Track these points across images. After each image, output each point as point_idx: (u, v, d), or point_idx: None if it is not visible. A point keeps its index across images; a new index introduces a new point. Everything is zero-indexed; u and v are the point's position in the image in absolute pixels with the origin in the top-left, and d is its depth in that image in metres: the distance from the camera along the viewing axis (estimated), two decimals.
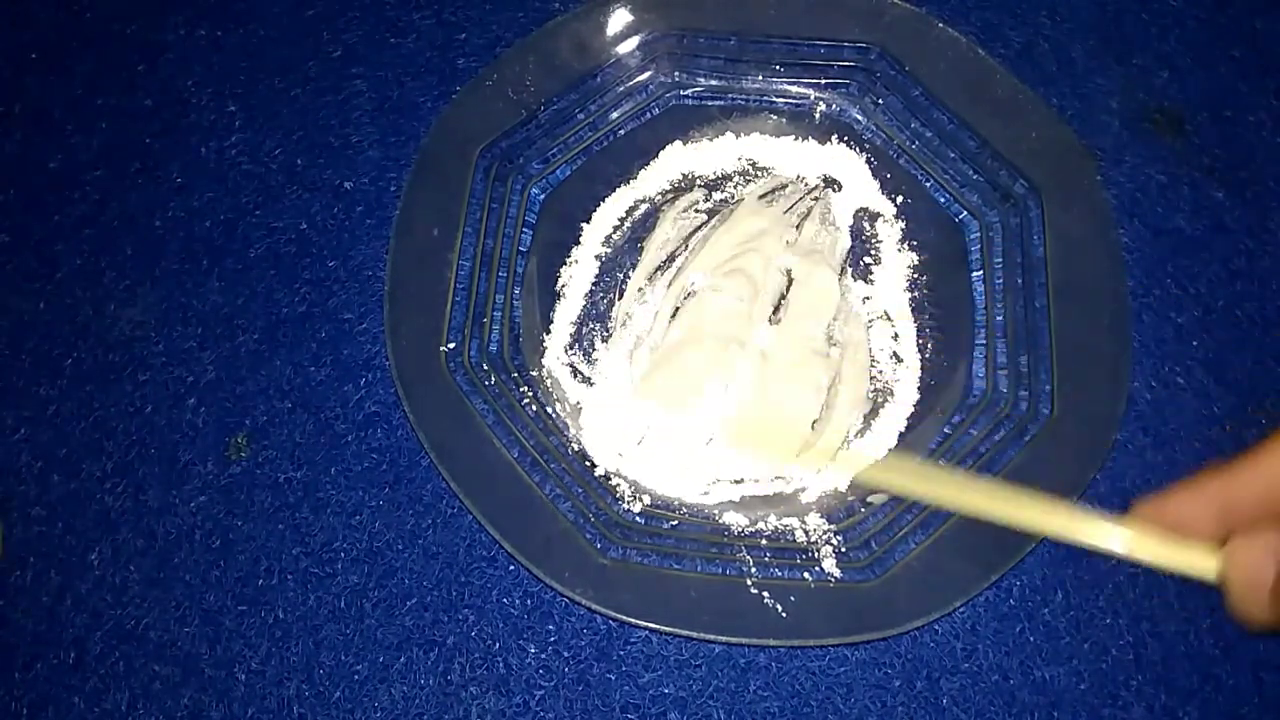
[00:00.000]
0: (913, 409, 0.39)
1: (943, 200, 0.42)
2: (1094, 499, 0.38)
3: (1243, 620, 0.26)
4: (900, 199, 0.42)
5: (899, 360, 0.40)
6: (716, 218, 0.41)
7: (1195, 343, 0.40)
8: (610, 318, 0.40)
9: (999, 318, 0.39)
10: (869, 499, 0.37)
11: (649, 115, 0.43)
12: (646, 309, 0.40)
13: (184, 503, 0.38)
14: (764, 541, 0.36)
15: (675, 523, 0.37)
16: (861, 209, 0.42)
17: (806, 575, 0.35)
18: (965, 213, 0.41)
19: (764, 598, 0.34)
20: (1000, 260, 0.40)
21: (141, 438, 0.39)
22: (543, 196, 0.42)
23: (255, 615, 0.36)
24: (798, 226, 0.41)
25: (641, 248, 0.41)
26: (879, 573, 0.35)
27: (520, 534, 0.34)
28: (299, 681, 0.35)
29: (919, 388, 0.39)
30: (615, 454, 0.38)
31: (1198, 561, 0.27)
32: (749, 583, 0.35)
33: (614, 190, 0.42)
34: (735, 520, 0.37)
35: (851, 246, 0.41)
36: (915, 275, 0.41)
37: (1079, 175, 0.39)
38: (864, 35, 0.42)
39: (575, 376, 0.39)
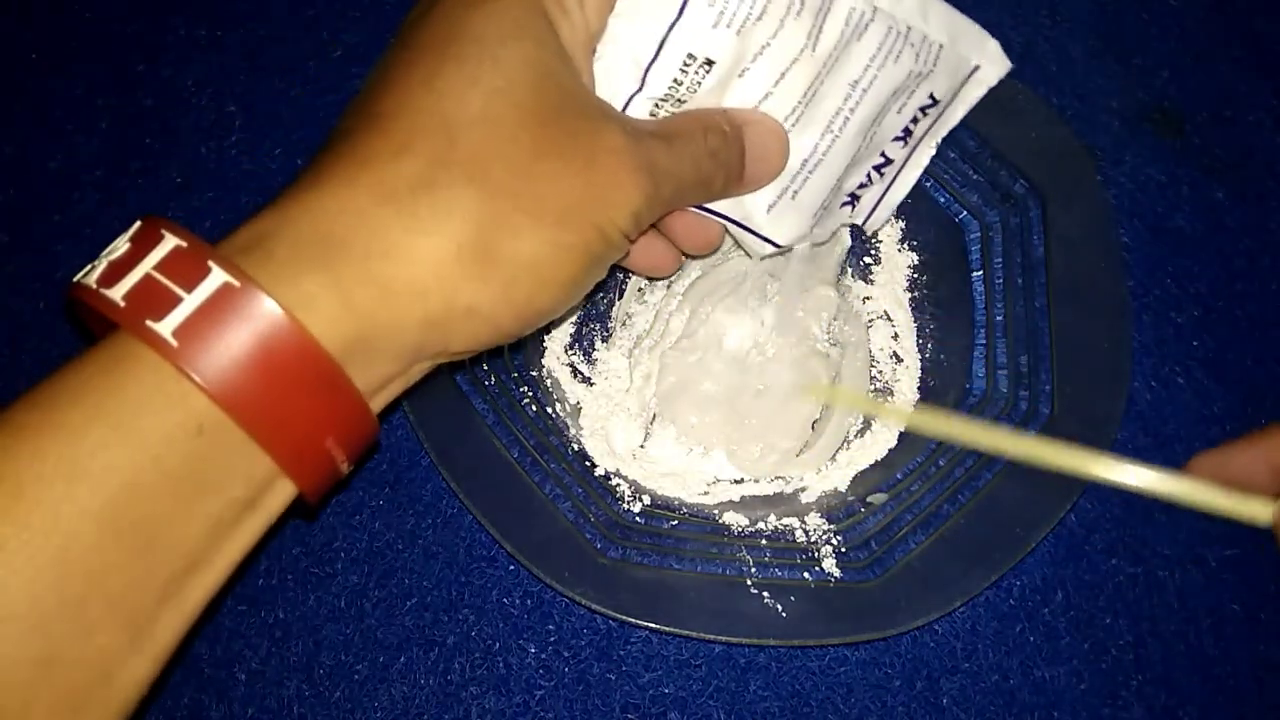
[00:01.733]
0: (913, 409, 0.39)
1: (943, 200, 0.42)
2: (1094, 499, 0.38)
3: None
4: None
5: (899, 360, 0.40)
6: None
7: (1195, 343, 0.40)
8: (610, 318, 0.40)
9: (999, 318, 0.39)
10: (869, 499, 0.37)
11: None
12: (646, 309, 0.40)
13: None
14: (764, 541, 0.36)
15: (675, 523, 0.37)
16: None
17: (806, 575, 0.35)
18: (965, 213, 0.41)
19: (764, 598, 0.34)
20: (1000, 260, 0.40)
21: None
22: None
23: (255, 615, 0.36)
24: None
25: None
26: (879, 573, 0.35)
27: (520, 534, 0.34)
28: (299, 681, 0.35)
29: (919, 388, 0.39)
30: (615, 454, 0.38)
31: (1252, 511, 0.29)
32: (749, 583, 0.35)
33: None
34: (735, 520, 0.37)
35: (851, 246, 0.41)
36: (915, 275, 0.41)
37: (1079, 175, 0.39)
38: None
39: (575, 376, 0.39)
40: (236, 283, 0.21)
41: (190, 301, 0.21)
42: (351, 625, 0.36)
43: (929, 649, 0.36)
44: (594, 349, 0.40)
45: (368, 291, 0.23)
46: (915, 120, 0.34)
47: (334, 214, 0.23)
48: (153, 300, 0.21)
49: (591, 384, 0.39)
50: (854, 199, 0.35)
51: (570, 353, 0.40)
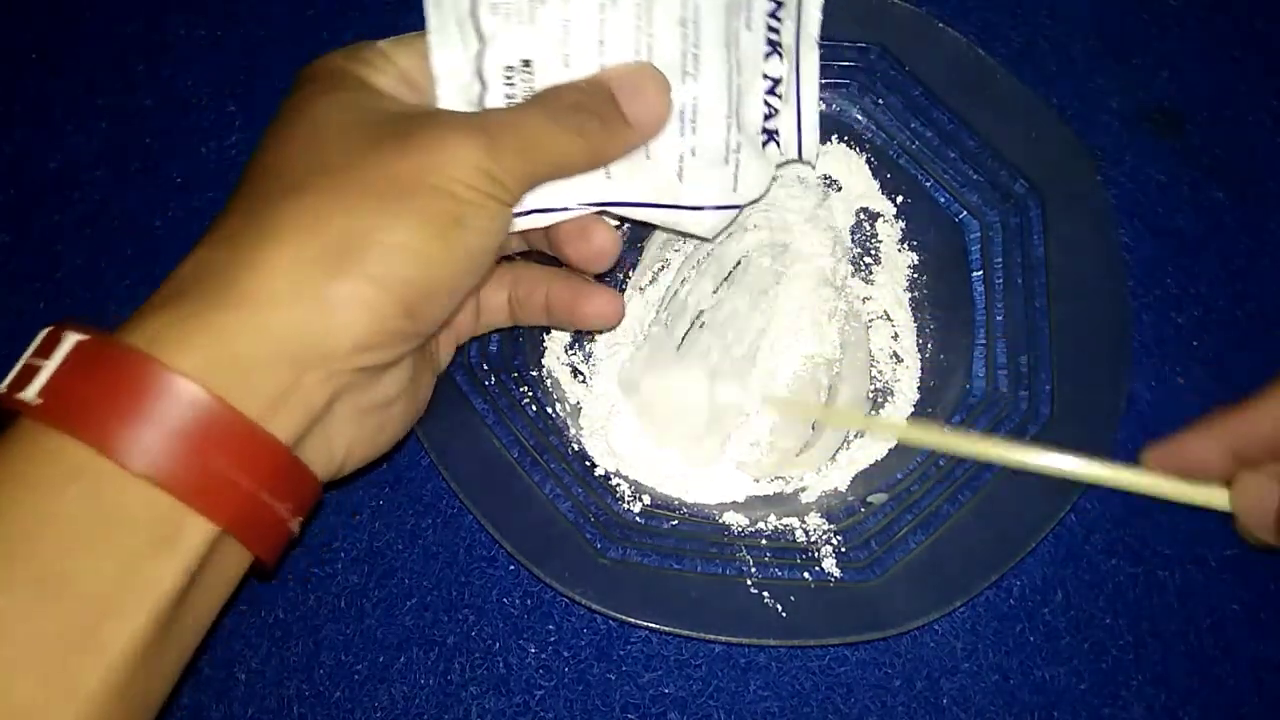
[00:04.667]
0: (913, 409, 0.39)
1: (943, 200, 0.42)
2: (1094, 499, 0.38)
3: (1251, 544, 0.31)
4: (900, 199, 0.42)
5: (899, 360, 0.40)
6: None
7: (1195, 343, 0.40)
8: None
9: (999, 318, 0.39)
10: (869, 499, 0.37)
11: None
12: (647, 309, 0.40)
13: None
14: (764, 541, 0.36)
15: (675, 523, 0.37)
16: (861, 209, 0.42)
17: (806, 575, 0.35)
18: (965, 213, 0.41)
19: (764, 598, 0.34)
20: (1000, 260, 0.40)
21: None
22: None
23: (255, 615, 0.36)
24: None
25: (641, 248, 0.41)
26: (879, 573, 0.35)
27: (520, 534, 0.34)
28: (299, 681, 0.35)
29: (919, 388, 0.39)
30: (615, 454, 0.38)
31: (1209, 496, 0.31)
32: (749, 583, 0.35)
33: None
34: (735, 520, 0.37)
35: (851, 246, 0.41)
36: (915, 275, 0.41)
37: (1079, 175, 0.39)
38: (864, 35, 0.42)
39: (575, 376, 0.39)
40: (86, 337, 0.23)
41: (49, 366, 0.23)
42: (351, 625, 0.36)
43: (929, 649, 0.36)
44: (593, 349, 0.40)
45: (219, 314, 0.24)
46: (774, 30, 0.33)
47: (178, 277, 0.25)
48: (23, 377, 0.23)
49: (592, 384, 0.39)
50: (772, 135, 0.34)
51: (570, 353, 0.40)
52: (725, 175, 0.32)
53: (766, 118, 0.33)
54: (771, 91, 0.33)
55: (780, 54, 0.33)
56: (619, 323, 0.34)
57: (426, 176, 0.25)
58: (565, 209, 0.30)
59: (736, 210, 0.33)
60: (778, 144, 0.34)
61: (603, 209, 0.31)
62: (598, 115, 0.28)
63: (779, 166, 0.34)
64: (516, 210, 0.29)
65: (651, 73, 0.29)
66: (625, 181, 0.30)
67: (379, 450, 0.30)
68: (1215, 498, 0.31)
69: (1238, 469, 0.30)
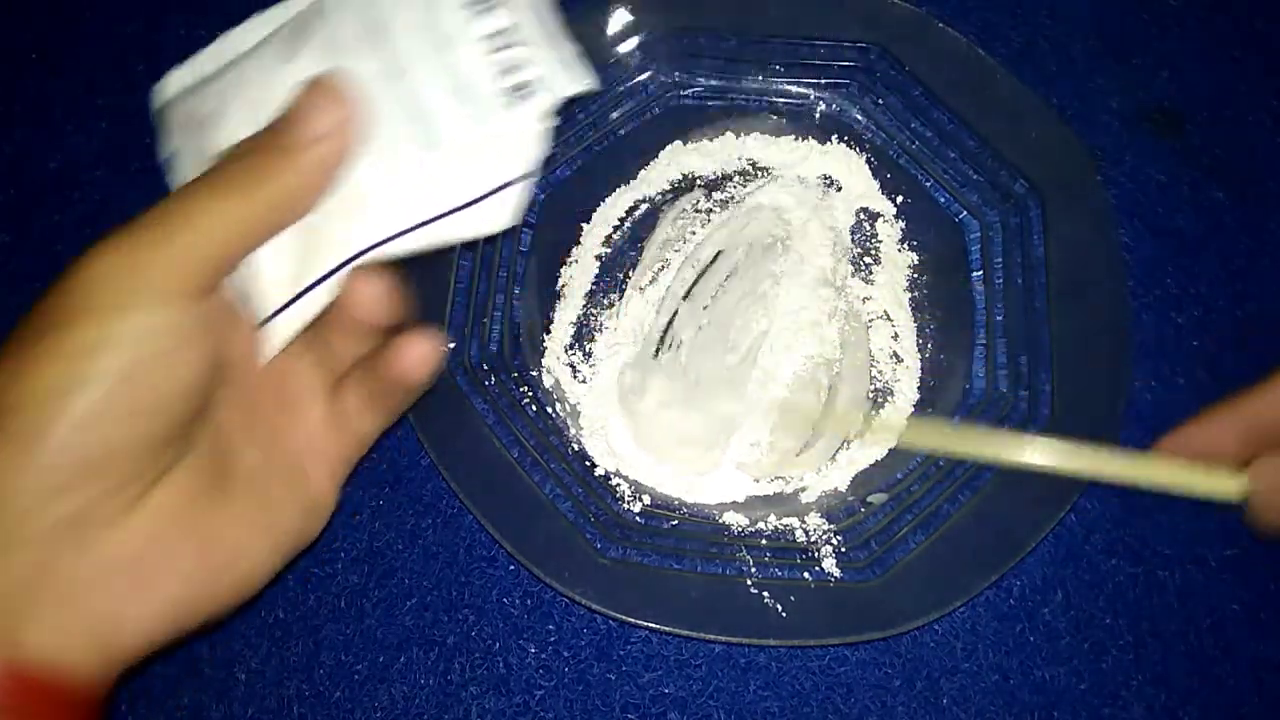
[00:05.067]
0: (913, 409, 0.39)
1: (943, 200, 0.42)
2: (1094, 499, 0.38)
3: (1263, 531, 0.31)
4: (900, 199, 0.42)
5: (899, 360, 0.40)
6: (717, 218, 0.41)
7: (1195, 343, 0.40)
8: (612, 318, 0.40)
9: (999, 318, 0.39)
10: (869, 499, 0.37)
11: (649, 115, 0.43)
12: (648, 308, 0.40)
13: None
14: (764, 541, 0.36)
15: (675, 522, 0.37)
16: (861, 209, 0.42)
17: (806, 575, 0.35)
18: (965, 213, 0.41)
19: (764, 598, 0.34)
20: (1000, 260, 0.40)
21: None
22: (543, 196, 0.42)
23: (255, 615, 0.36)
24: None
25: (641, 248, 0.41)
26: (879, 573, 0.35)
27: (520, 534, 0.34)
28: (299, 681, 0.35)
29: (919, 388, 0.39)
30: (615, 454, 0.38)
31: (1221, 483, 0.31)
32: (749, 583, 0.35)
33: (614, 190, 0.42)
34: (735, 520, 0.37)
35: (851, 246, 0.41)
36: (915, 275, 0.41)
37: (1079, 175, 0.39)
38: (864, 35, 0.42)
39: (575, 376, 0.39)
40: None
41: None
42: (351, 625, 0.36)
43: (929, 649, 0.36)
44: (593, 349, 0.40)
45: None
46: None
47: None
48: None
49: (591, 384, 0.39)
50: (524, 87, 0.28)
51: (570, 353, 0.40)
52: (486, 154, 0.28)
53: (508, 74, 0.29)
54: (504, 47, 0.29)
55: (497, 6, 0.29)
56: (436, 363, 0.30)
57: (69, 302, 0.24)
58: (328, 275, 0.28)
59: (523, 185, 0.29)
60: (539, 92, 0.29)
61: (374, 254, 0.28)
62: (261, 151, 0.26)
63: (559, 117, 0.29)
64: (277, 307, 0.27)
65: (320, 81, 0.26)
66: (380, 215, 0.28)
67: (191, 608, 0.26)
68: (1227, 485, 0.31)
69: (1249, 454, 0.31)
